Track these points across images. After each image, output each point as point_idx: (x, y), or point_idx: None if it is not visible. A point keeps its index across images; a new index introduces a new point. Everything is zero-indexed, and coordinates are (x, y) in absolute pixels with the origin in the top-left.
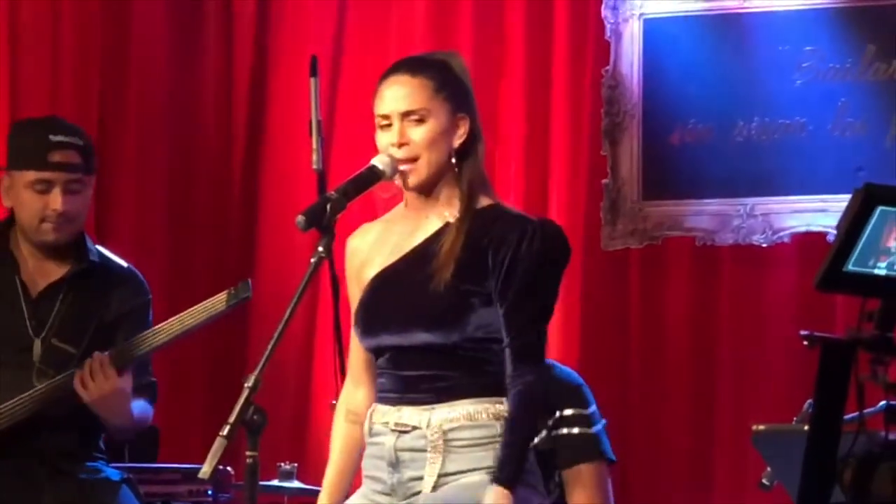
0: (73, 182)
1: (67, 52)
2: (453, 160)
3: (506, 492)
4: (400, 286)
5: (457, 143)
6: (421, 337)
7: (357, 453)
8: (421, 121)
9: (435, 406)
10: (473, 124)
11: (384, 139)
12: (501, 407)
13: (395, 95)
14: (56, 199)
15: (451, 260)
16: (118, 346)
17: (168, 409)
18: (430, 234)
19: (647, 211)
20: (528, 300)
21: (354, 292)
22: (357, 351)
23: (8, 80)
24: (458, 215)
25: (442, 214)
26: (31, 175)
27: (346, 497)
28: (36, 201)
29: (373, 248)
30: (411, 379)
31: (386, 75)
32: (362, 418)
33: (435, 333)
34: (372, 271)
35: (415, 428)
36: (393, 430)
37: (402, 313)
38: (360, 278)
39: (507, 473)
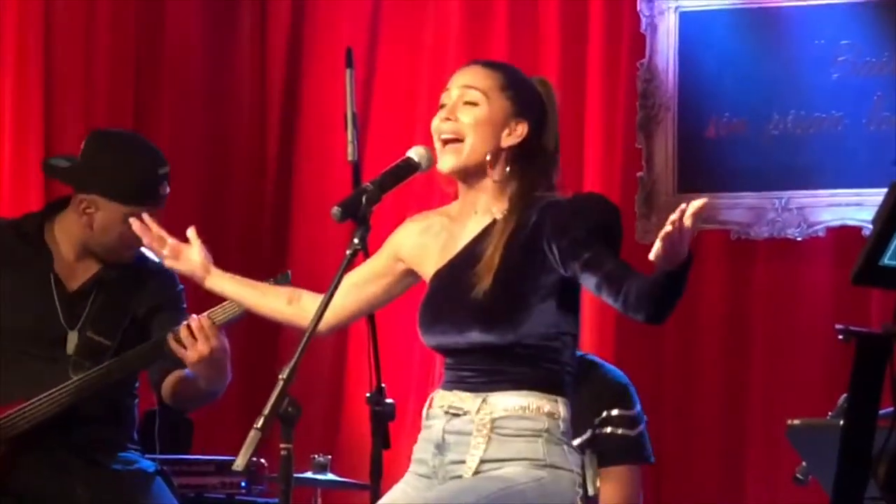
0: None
1: (102, 45)
2: (507, 160)
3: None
4: (453, 288)
5: (506, 142)
6: (476, 337)
7: (257, 297)
8: (474, 104)
9: (489, 394)
10: (538, 137)
11: (437, 117)
12: (553, 404)
13: (463, 74)
14: None
15: (493, 264)
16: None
17: None
18: (476, 232)
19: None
20: (594, 243)
21: (382, 254)
22: (350, 276)
23: (42, 69)
24: (505, 212)
25: (489, 210)
26: (140, 209)
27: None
28: (131, 230)
29: (426, 239)
30: (469, 370)
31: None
32: (293, 299)
33: (489, 334)
34: (429, 269)
35: (466, 412)
36: (446, 413)
37: (458, 315)
38: (398, 254)
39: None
